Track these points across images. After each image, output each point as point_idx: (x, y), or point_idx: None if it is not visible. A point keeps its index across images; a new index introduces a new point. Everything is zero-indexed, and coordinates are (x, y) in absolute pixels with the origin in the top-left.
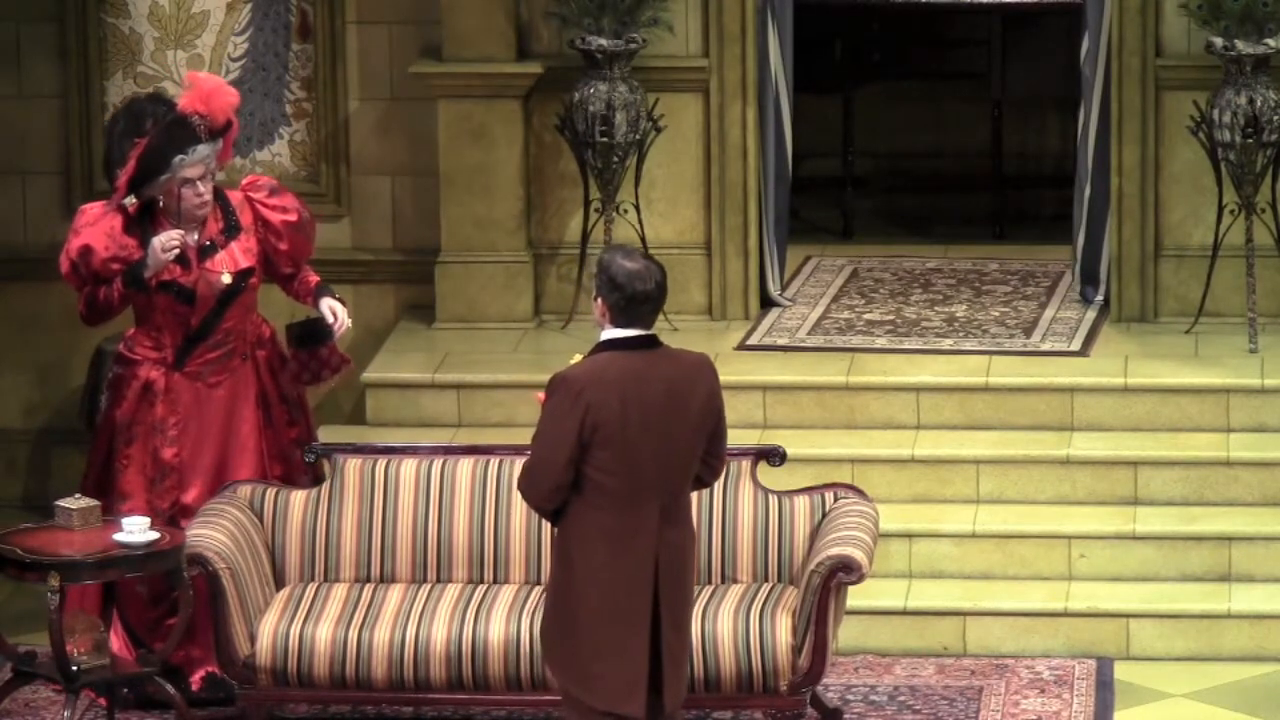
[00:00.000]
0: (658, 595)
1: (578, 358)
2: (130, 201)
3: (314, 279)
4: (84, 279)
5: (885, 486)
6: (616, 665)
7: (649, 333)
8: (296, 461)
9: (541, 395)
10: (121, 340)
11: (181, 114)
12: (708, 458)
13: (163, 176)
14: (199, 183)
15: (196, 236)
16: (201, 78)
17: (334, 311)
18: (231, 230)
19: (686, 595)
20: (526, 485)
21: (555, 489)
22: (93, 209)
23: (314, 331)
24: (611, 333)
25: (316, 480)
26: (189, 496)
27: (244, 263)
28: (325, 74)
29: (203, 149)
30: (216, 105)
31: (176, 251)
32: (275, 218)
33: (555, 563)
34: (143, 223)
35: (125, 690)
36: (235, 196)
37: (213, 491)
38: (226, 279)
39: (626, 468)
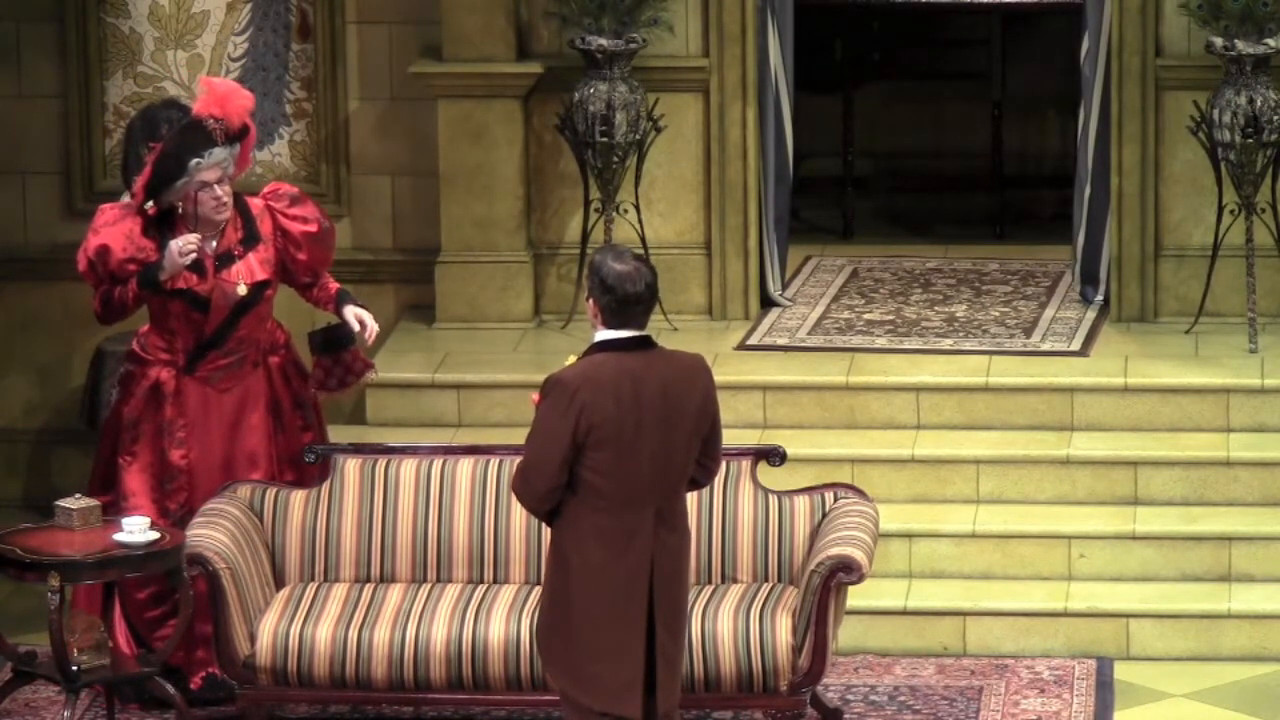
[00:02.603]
0: (653, 597)
1: (572, 359)
2: (149, 206)
3: (334, 286)
4: (100, 278)
5: (885, 486)
6: (612, 666)
7: (643, 334)
8: (310, 467)
9: (536, 396)
10: (134, 337)
11: (196, 118)
12: (703, 459)
13: (179, 181)
14: (216, 186)
15: (215, 244)
16: (216, 82)
17: (360, 320)
18: (250, 241)
19: (682, 597)
20: (521, 486)
21: (549, 490)
22: (112, 209)
23: (336, 338)
24: (605, 334)
25: (316, 480)
26: (198, 500)
27: (260, 275)
28: (325, 74)
29: (219, 152)
30: (232, 108)
31: (193, 256)
32: (295, 228)
33: (551, 564)
34: (161, 227)
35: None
36: (256, 205)
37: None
38: (242, 290)
39: (622, 469)
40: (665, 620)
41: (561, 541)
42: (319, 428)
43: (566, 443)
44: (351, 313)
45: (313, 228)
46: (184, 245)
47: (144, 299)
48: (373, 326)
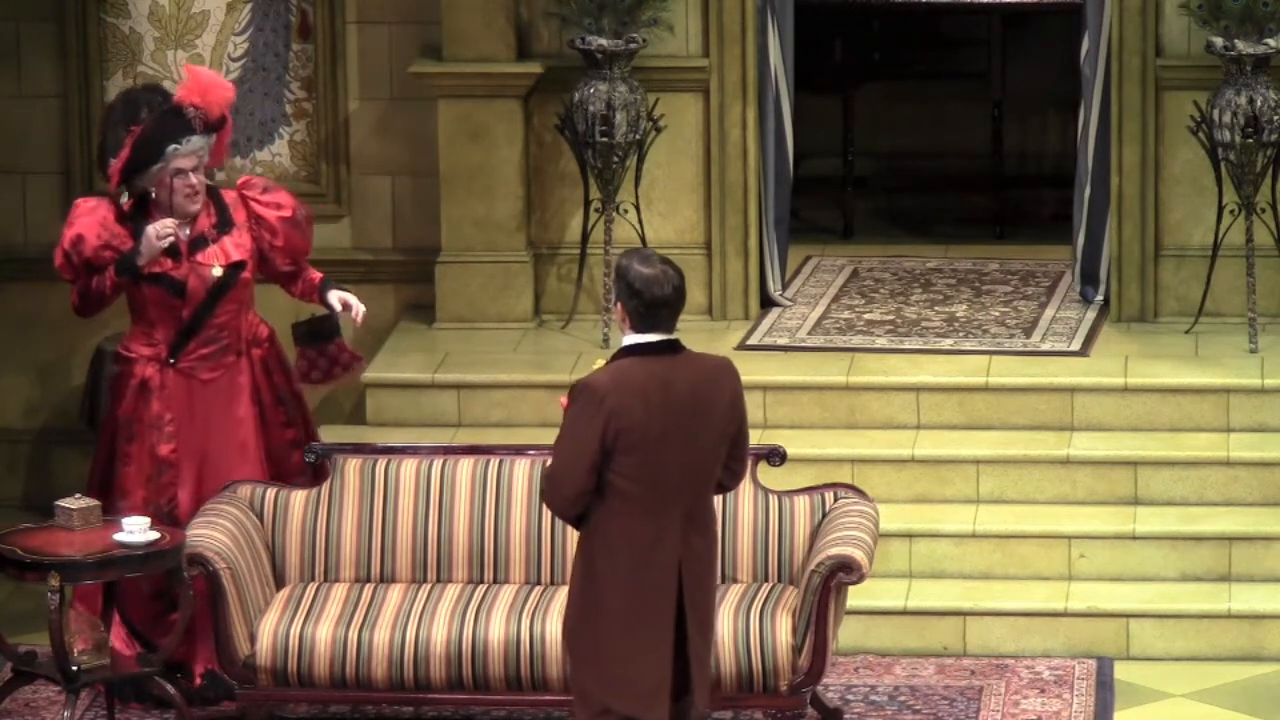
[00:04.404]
0: (682, 600)
1: (600, 363)
2: (124, 201)
3: (317, 276)
4: (77, 269)
5: (885, 486)
6: (641, 670)
7: (671, 337)
8: (292, 463)
9: (564, 400)
10: (120, 340)
11: (177, 104)
12: (730, 461)
13: (155, 165)
14: (191, 174)
15: (188, 230)
16: (199, 70)
17: (345, 302)
18: (224, 225)
19: (710, 598)
20: (549, 491)
21: (578, 495)
22: (86, 202)
23: (321, 329)
24: (633, 338)
25: (316, 480)
26: (185, 492)
27: (235, 256)
28: (325, 74)
29: (196, 140)
30: (213, 98)
31: (171, 239)
32: (269, 214)
33: (578, 568)
34: (136, 217)
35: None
36: (230, 195)
37: (208, 486)
38: (217, 271)
39: (650, 473)
40: (696, 623)
41: (589, 546)
42: (304, 424)
43: (595, 448)
44: (336, 297)
45: (287, 212)
46: (161, 229)
47: (122, 286)
48: (359, 308)
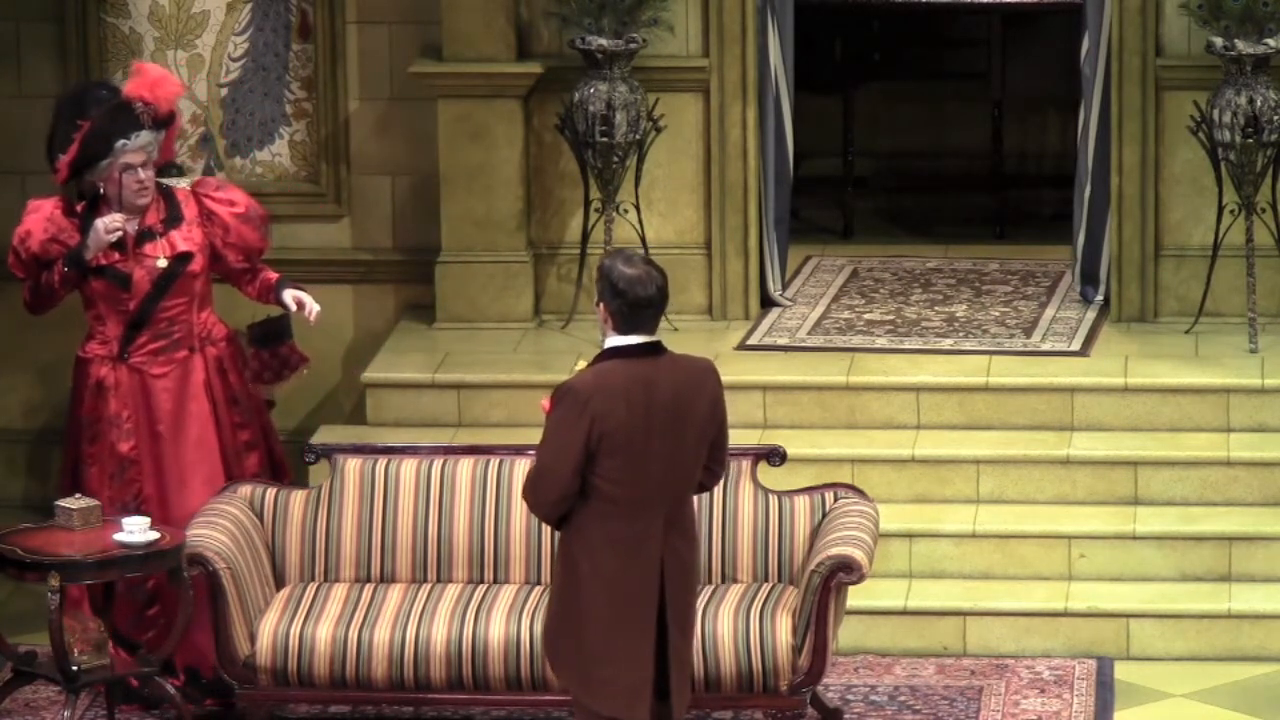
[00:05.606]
0: (663, 601)
1: (582, 364)
2: (79, 206)
3: (273, 276)
4: (26, 265)
5: (885, 486)
6: (621, 671)
7: (653, 339)
8: (246, 466)
9: (547, 403)
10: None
11: (126, 99)
12: (710, 463)
13: (104, 161)
14: (140, 169)
15: (136, 225)
16: (148, 67)
17: (299, 301)
18: (173, 220)
19: (691, 601)
20: (532, 494)
21: (561, 498)
22: (37, 200)
23: (275, 330)
24: (616, 340)
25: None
26: (149, 488)
27: (182, 247)
28: (325, 74)
29: (145, 135)
30: (161, 93)
31: (119, 233)
32: (221, 210)
33: (559, 569)
34: (85, 215)
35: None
36: (182, 192)
37: (171, 483)
38: (162, 263)
39: (633, 476)
40: (677, 625)
41: (571, 548)
42: (260, 429)
43: (579, 450)
44: (290, 295)
45: (240, 208)
46: (109, 223)
47: (70, 280)
48: (313, 306)
